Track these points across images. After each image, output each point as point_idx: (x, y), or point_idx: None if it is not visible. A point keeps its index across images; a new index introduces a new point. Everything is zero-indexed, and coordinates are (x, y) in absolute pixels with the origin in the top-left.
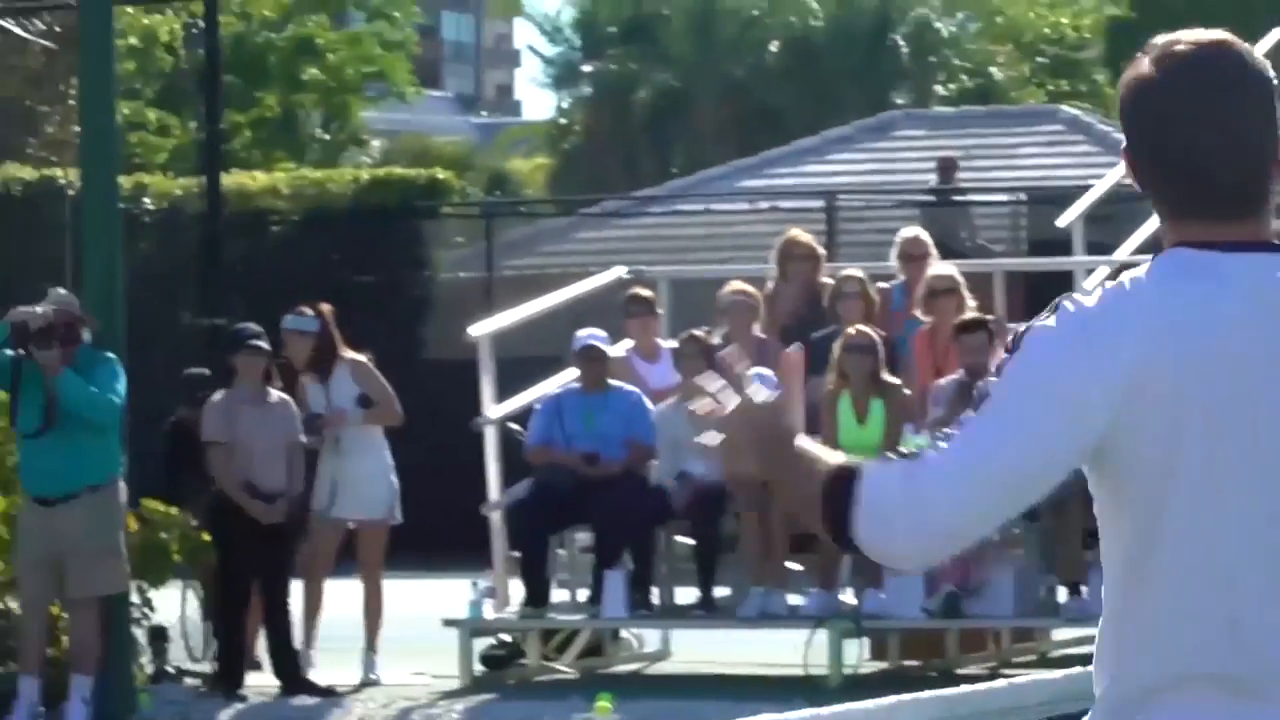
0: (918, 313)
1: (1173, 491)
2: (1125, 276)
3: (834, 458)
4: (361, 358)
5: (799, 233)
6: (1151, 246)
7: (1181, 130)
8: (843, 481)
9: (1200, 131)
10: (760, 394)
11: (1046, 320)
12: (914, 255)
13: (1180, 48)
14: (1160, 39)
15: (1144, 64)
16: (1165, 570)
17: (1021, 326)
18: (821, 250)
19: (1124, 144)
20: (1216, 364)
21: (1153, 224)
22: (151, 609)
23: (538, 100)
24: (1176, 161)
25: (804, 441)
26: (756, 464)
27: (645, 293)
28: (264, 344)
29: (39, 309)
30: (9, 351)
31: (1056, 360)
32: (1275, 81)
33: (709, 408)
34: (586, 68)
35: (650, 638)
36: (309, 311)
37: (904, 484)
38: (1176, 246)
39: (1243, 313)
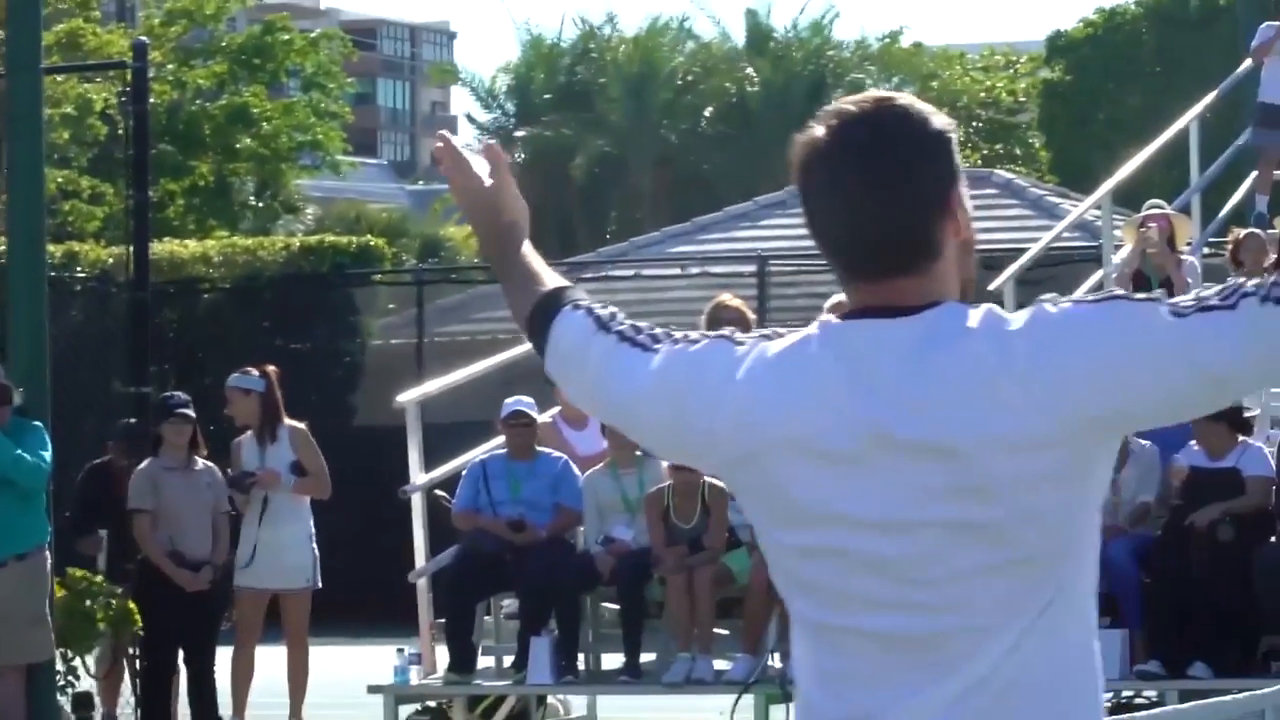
0: None
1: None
2: (801, 333)
3: (553, 278)
4: (302, 426)
5: (728, 297)
6: None
7: (814, 199)
8: (548, 308)
9: (827, 200)
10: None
11: (746, 336)
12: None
13: (826, 114)
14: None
15: (806, 131)
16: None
17: (757, 331)
18: (751, 314)
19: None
20: (794, 444)
21: (1086, 287)
22: (76, 676)
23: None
24: (817, 229)
25: (515, 237)
26: (478, 235)
27: None
28: (190, 412)
29: None
30: None
31: (712, 370)
32: (944, 135)
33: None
34: (521, 133)
35: (576, 703)
36: (255, 372)
37: (582, 343)
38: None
39: (822, 388)
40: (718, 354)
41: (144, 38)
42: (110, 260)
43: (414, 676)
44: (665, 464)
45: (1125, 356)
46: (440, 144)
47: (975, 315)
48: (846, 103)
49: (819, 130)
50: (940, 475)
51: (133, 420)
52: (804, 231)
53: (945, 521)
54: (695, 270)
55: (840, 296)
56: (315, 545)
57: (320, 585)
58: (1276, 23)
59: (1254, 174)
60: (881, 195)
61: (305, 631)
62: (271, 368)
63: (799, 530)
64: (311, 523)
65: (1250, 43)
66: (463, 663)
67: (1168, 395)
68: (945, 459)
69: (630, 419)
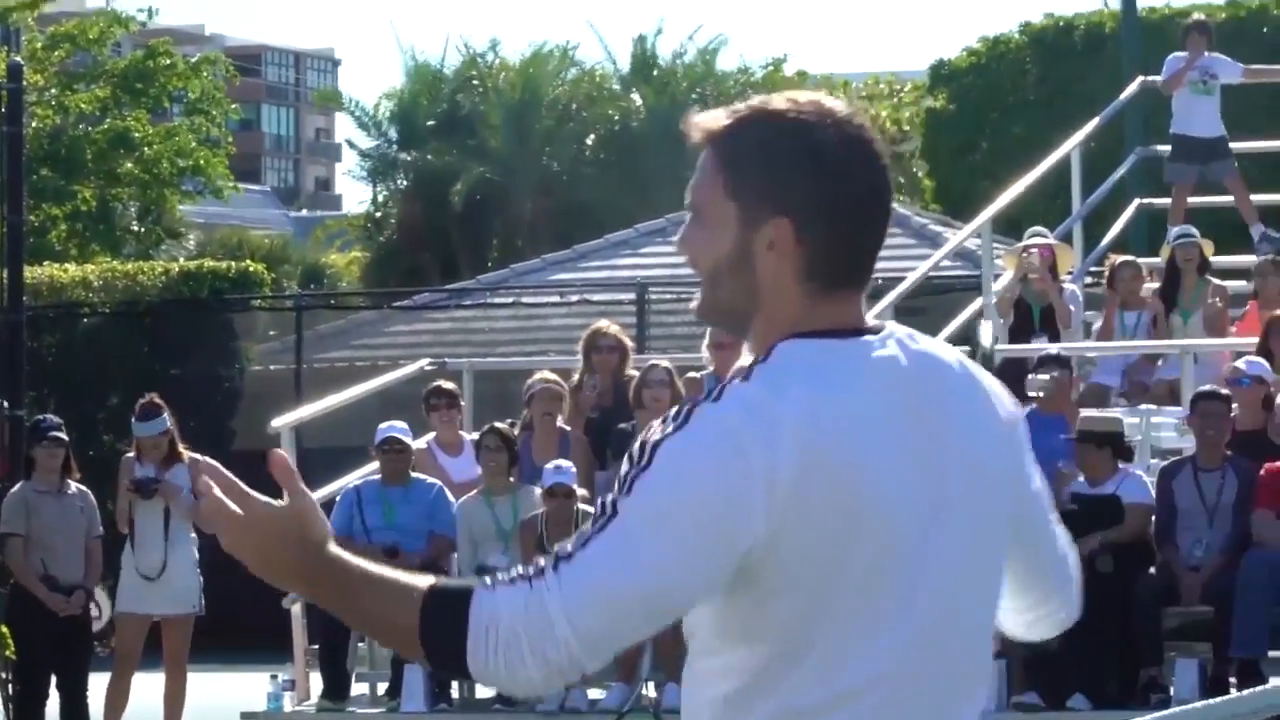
0: None
1: (830, 599)
2: (759, 377)
3: (413, 578)
4: (199, 456)
5: (605, 323)
6: (962, 339)
7: (859, 186)
8: (448, 605)
9: (873, 201)
10: (274, 502)
11: (679, 431)
12: (724, 344)
13: (839, 109)
14: (819, 103)
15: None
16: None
17: (643, 434)
18: (629, 341)
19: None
20: (885, 464)
21: (965, 316)
22: None
23: (357, 194)
24: (844, 225)
25: (337, 552)
26: (284, 574)
27: (448, 385)
28: (63, 435)
29: None
30: None
31: (700, 476)
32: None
33: (215, 508)
34: (404, 158)
35: None
36: (156, 407)
37: (527, 610)
38: (796, 337)
39: (884, 405)
40: (688, 464)
41: (20, 59)
42: None
43: (287, 703)
44: (539, 491)
45: None
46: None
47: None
48: (819, 104)
49: (857, 122)
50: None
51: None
52: (683, 260)
53: None
54: (575, 298)
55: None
56: (200, 570)
57: (203, 611)
58: (1183, 54)
59: (1135, 202)
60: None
61: (185, 657)
62: (158, 399)
63: None
64: (197, 548)
65: (1132, 71)
66: (337, 689)
67: None
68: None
69: (659, 609)
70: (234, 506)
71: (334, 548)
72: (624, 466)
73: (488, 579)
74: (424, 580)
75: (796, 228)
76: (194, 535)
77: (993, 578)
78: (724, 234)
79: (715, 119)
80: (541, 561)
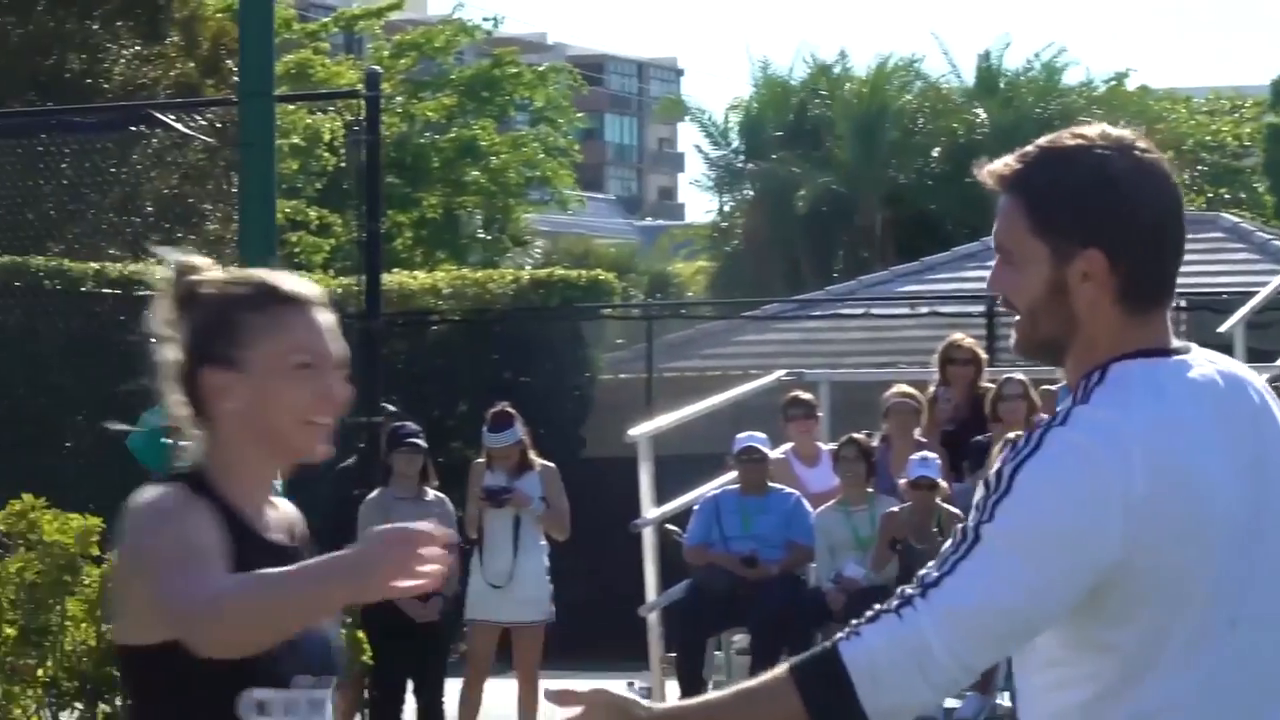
0: None
1: (1180, 608)
2: (1099, 399)
3: (757, 680)
4: (552, 465)
5: (961, 336)
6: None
7: (1177, 225)
8: (821, 672)
9: (1179, 224)
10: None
11: (1034, 456)
12: None
13: (1146, 148)
14: (1105, 133)
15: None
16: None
17: (998, 463)
18: (983, 354)
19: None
20: (1219, 476)
21: None
22: None
23: (700, 203)
24: (1168, 252)
25: (669, 707)
26: None
27: (805, 395)
28: (421, 442)
29: None
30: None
31: (1060, 499)
32: None
33: None
34: (750, 166)
35: None
36: (508, 416)
37: (903, 640)
38: (1122, 359)
39: (1214, 419)
40: (1046, 489)
41: (378, 68)
42: (339, 290)
43: None
44: (902, 483)
45: None
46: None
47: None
48: (1111, 136)
49: (1145, 147)
50: None
51: (348, 465)
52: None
53: None
54: (925, 310)
55: None
56: (550, 579)
57: (554, 619)
58: None
59: None
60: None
61: (537, 664)
62: (510, 408)
63: None
64: (547, 556)
65: None
66: (693, 698)
67: None
68: None
69: (1025, 628)
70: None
71: (661, 707)
72: (979, 493)
73: (843, 631)
74: (777, 670)
75: (1108, 256)
76: (544, 543)
77: None
78: (1037, 271)
79: (1006, 164)
80: (908, 590)
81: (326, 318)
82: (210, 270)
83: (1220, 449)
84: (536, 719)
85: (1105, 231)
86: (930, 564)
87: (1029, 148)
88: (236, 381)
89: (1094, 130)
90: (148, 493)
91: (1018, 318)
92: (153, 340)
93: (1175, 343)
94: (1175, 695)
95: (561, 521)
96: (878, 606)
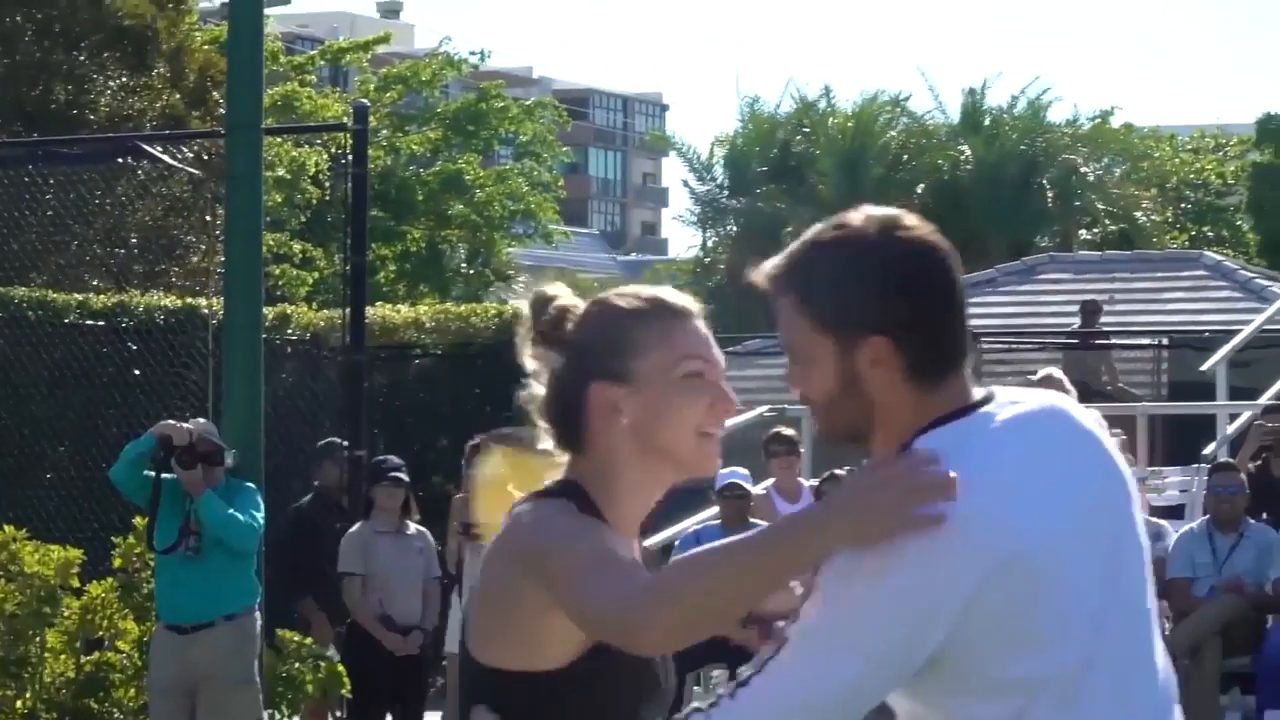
0: None
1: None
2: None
3: None
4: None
5: None
6: None
7: (960, 297)
8: None
9: (962, 302)
10: None
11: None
12: None
13: (911, 223)
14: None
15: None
16: None
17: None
18: None
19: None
20: (1063, 524)
21: None
22: None
23: (683, 238)
24: (960, 325)
25: None
26: None
27: (787, 431)
28: (404, 476)
29: (185, 425)
30: (150, 472)
31: (903, 575)
32: None
33: None
34: (734, 203)
35: None
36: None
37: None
38: (924, 432)
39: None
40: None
41: (366, 101)
42: (322, 323)
43: None
44: None
45: None
46: None
47: None
48: (888, 211)
49: (907, 224)
50: None
51: (342, 442)
52: (1013, 309)
53: None
54: None
55: (1047, 369)
56: None
57: None
58: None
59: None
60: None
61: None
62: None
63: None
64: None
65: None
66: None
67: None
68: None
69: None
70: None
71: None
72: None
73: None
74: None
75: (891, 339)
76: None
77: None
78: (826, 366)
79: (775, 266)
80: (721, 690)
81: (708, 329)
82: (569, 296)
83: (1050, 489)
84: None
85: (883, 317)
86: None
87: (793, 245)
88: (628, 395)
89: (857, 216)
90: (542, 505)
91: (816, 412)
92: (522, 375)
93: (976, 394)
94: None
95: None
96: (695, 704)
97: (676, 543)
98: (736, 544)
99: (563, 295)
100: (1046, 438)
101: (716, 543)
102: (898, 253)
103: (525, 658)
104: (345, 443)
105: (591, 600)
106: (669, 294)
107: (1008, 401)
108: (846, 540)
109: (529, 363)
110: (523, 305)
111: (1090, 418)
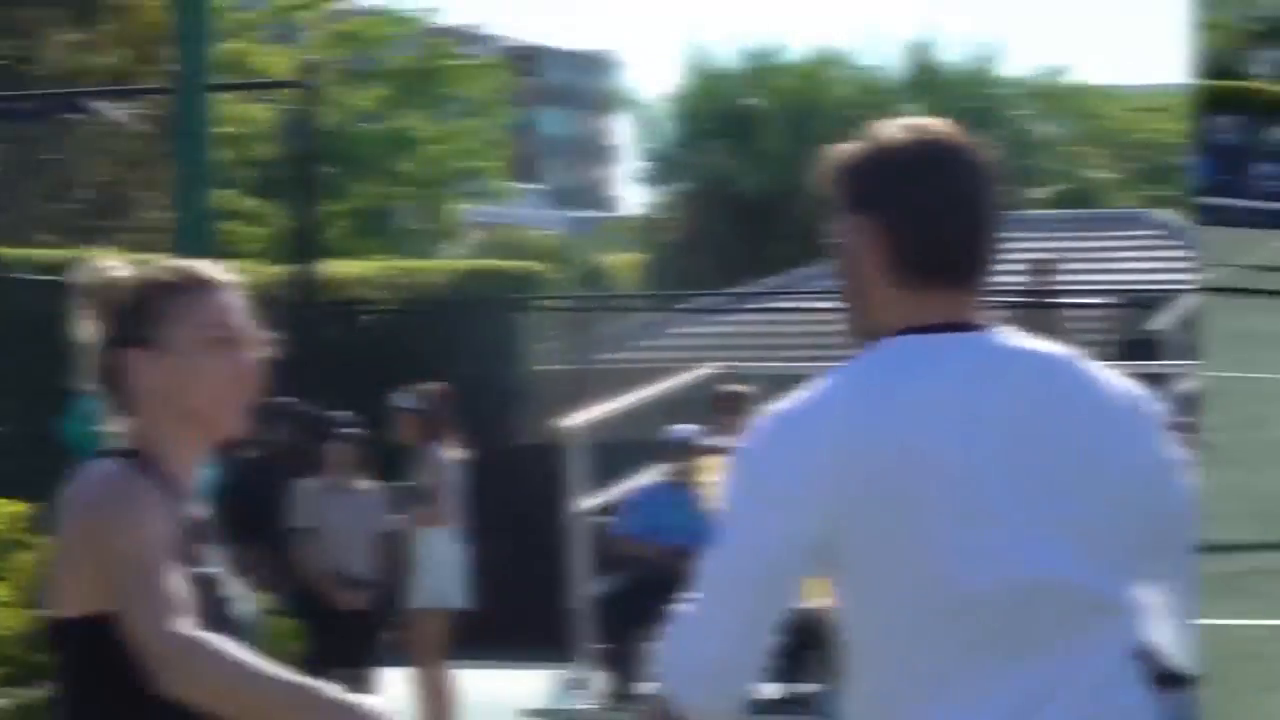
0: None
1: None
2: (833, 374)
3: None
4: (456, 455)
5: None
6: None
7: (921, 196)
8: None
9: (942, 199)
10: None
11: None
12: None
13: (900, 129)
14: (917, 122)
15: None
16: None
17: None
18: None
19: (852, 219)
20: (927, 457)
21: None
22: None
23: (634, 196)
24: (917, 228)
25: None
26: None
27: (737, 389)
28: (355, 431)
29: None
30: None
31: (761, 468)
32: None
33: None
34: (685, 159)
35: None
36: (426, 390)
37: (674, 650)
38: (898, 334)
39: (959, 402)
40: (750, 462)
41: (315, 58)
42: (272, 278)
43: (576, 701)
44: None
45: None
46: None
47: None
48: (915, 123)
49: (904, 137)
50: None
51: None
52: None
53: None
54: None
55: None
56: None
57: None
58: None
59: None
60: (990, 205)
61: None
62: (438, 386)
63: None
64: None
65: None
66: (625, 689)
67: None
68: None
69: (755, 588)
70: None
71: None
72: None
73: None
74: None
75: (884, 226)
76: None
77: (1104, 554)
78: (841, 246)
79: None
80: None
81: (240, 299)
82: (123, 269)
83: (963, 418)
84: (454, 709)
85: (877, 201)
86: None
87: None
88: (156, 360)
89: (911, 121)
90: (100, 471)
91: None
92: (73, 334)
93: (976, 321)
94: (904, 676)
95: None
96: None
97: (626, 499)
98: (274, 680)
99: (112, 267)
100: (969, 367)
101: (263, 664)
102: (920, 147)
103: (83, 603)
104: (295, 399)
105: (139, 621)
106: (202, 267)
107: (1004, 340)
108: None
109: (83, 331)
110: (85, 277)
111: (1098, 370)
